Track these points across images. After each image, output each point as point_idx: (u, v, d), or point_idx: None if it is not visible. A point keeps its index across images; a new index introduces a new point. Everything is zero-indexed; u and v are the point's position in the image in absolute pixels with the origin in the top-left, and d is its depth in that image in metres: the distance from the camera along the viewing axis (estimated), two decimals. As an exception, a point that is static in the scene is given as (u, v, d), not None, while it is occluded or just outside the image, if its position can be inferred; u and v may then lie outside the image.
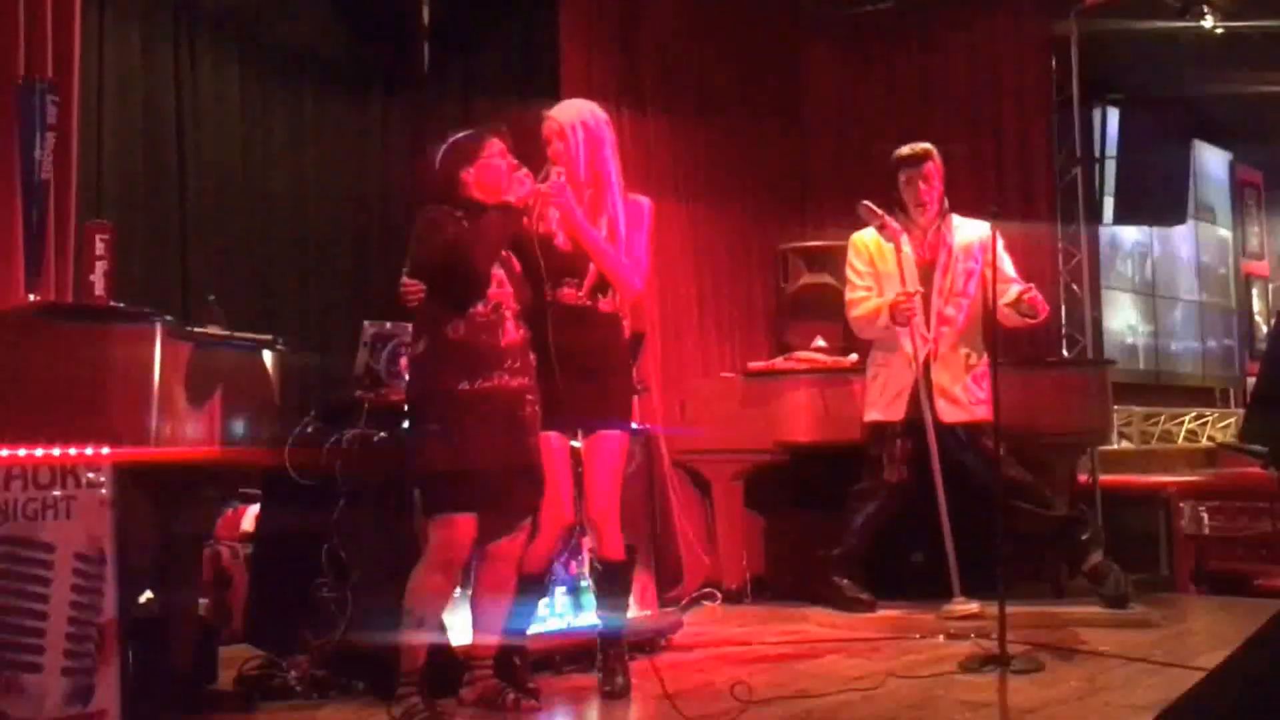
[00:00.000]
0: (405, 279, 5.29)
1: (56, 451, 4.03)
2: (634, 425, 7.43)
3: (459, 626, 5.61)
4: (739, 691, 5.22)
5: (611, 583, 5.80)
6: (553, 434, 5.56)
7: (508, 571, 5.46)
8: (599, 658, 5.83)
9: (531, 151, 5.72)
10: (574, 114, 5.80)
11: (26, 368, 4.57)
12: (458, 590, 5.53)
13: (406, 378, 5.54)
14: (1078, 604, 7.49)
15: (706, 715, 5.18)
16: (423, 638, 5.16)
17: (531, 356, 5.41)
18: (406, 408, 5.44)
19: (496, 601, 5.46)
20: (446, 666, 5.47)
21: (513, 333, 5.32)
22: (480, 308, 5.24)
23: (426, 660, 5.19)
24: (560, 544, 5.84)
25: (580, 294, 5.65)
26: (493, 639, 5.49)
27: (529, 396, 5.33)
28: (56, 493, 4.01)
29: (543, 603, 6.21)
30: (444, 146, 5.47)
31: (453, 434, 5.12)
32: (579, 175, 5.66)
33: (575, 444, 5.81)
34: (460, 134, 5.49)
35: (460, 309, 5.22)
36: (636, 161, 9.13)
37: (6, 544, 3.89)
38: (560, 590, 6.40)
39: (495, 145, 5.40)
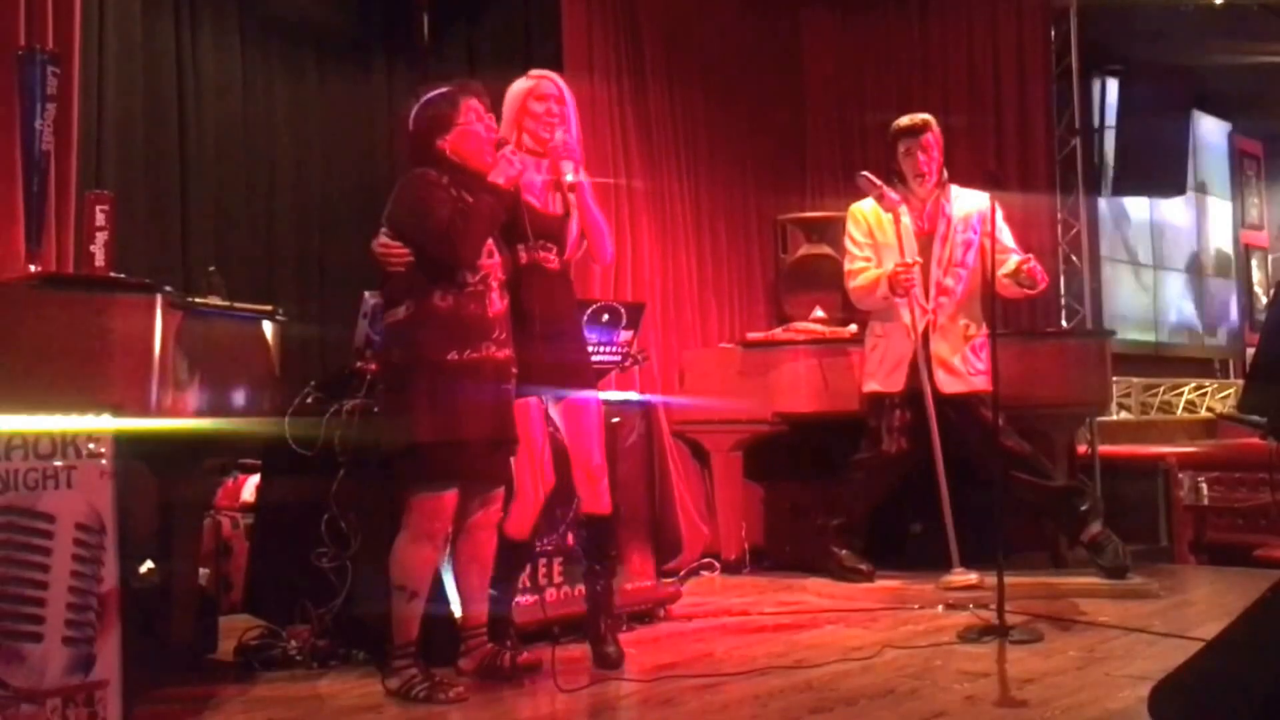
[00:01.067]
0: (385, 240, 5.22)
1: (57, 422, 4.03)
2: (634, 395, 7.47)
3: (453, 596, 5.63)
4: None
5: (599, 537, 5.78)
6: (531, 399, 5.54)
7: (487, 539, 5.44)
8: (589, 627, 5.83)
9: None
10: (565, 84, 5.82)
11: (27, 338, 4.56)
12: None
13: (385, 344, 5.40)
14: (1077, 574, 7.50)
15: (705, 683, 5.21)
16: (416, 610, 5.16)
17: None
18: (384, 375, 5.38)
19: (480, 570, 5.46)
20: (445, 635, 5.48)
21: (498, 303, 5.27)
22: (470, 277, 5.19)
23: (422, 630, 5.19)
24: (542, 509, 5.82)
25: (557, 259, 5.65)
26: (481, 607, 5.49)
27: (512, 369, 5.31)
28: (57, 463, 4.01)
29: (540, 573, 6.23)
30: (417, 107, 5.36)
31: (442, 405, 5.06)
32: (575, 140, 5.69)
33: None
34: (432, 93, 5.37)
35: (448, 274, 5.16)
36: (637, 131, 9.13)
37: (7, 514, 3.89)
38: (558, 561, 6.40)
39: (471, 108, 5.31)
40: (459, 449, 5.09)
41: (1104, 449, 9.79)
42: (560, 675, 5.28)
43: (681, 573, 8.20)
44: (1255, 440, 7.91)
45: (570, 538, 6.40)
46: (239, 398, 5.57)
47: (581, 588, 6.10)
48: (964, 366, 7.33)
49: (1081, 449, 9.55)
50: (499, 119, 5.56)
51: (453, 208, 5.15)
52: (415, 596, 5.15)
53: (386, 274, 5.27)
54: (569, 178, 5.56)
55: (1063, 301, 9.91)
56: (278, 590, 6.08)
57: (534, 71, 5.90)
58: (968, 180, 7.63)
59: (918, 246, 7.39)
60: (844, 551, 7.60)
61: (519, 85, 5.77)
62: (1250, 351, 14.01)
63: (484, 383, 5.16)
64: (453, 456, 5.09)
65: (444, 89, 5.38)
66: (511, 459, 5.42)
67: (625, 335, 6.82)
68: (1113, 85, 11.17)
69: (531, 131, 5.66)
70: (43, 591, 3.94)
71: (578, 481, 5.75)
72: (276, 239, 8.86)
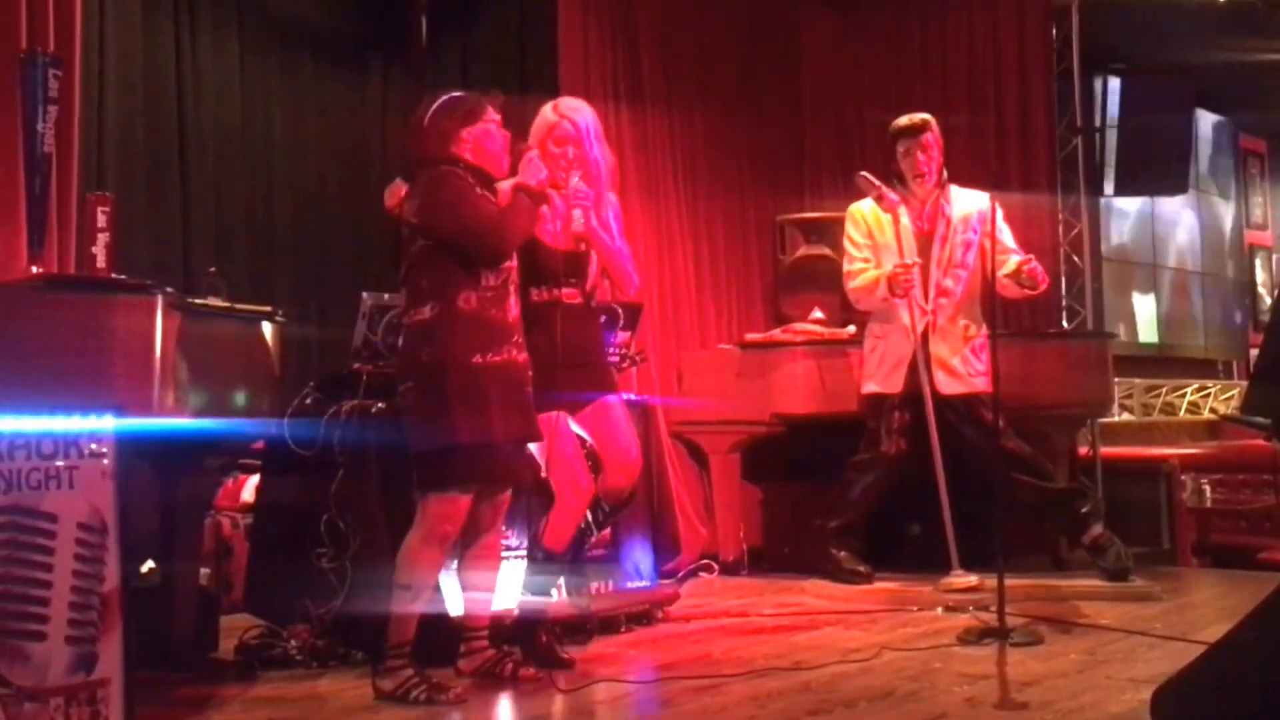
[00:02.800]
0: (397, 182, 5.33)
1: (60, 422, 4.04)
2: (632, 396, 7.49)
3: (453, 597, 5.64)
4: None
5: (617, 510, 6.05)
6: (556, 414, 5.65)
7: (494, 540, 5.47)
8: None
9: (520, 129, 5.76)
10: (585, 115, 5.89)
11: (29, 339, 4.58)
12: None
13: (409, 343, 5.30)
14: (1078, 577, 7.48)
15: (703, 685, 5.21)
16: (417, 610, 5.16)
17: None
18: (409, 374, 5.25)
19: (488, 569, 5.47)
20: (441, 637, 5.48)
21: (514, 307, 5.29)
22: (491, 279, 5.18)
23: (419, 632, 5.18)
24: (582, 518, 5.86)
25: (581, 293, 5.79)
26: (485, 608, 5.50)
27: (530, 373, 5.33)
28: (59, 463, 4.02)
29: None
30: (439, 103, 5.32)
31: (470, 408, 5.05)
32: (596, 180, 5.79)
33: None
34: (454, 94, 5.40)
35: (472, 275, 5.15)
36: (634, 132, 9.12)
37: (10, 514, 3.91)
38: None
39: (494, 112, 5.34)
40: (490, 450, 5.12)
41: (1106, 450, 9.78)
42: (560, 675, 5.30)
43: (680, 574, 8.20)
44: (1259, 442, 7.94)
45: (608, 533, 6.48)
46: (239, 398, 5.58)
47: (617, 585, 6.18)
48: (964, 367, 7.31)
49: (1083, 450, 9.54)
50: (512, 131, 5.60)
51: (492, 203, 5.22)
52: (418, 596, 5.15)
53: (407, 273, 5.26)
54: (577, 225, 5.68)
55: (1063, 302, 9.90)
56: (277, 590, 6.08)
57: (559, 106, 5.98)
58: (968, 180, 7.63)
59: (917, 247, 7.38)
60: (843, 553, 7.58)
61: (545, 117, 5.89)
62: (1254, 352, 14.03)
63: (508, 384, 5.19)
64: (484, 457, 5.11)
65: (469, 93, 5.44)
66: (531, 460, 5.46)
67: (623, 336, 6.83)
68: (1114, 84, 11.16)
69: (548, 169, 5.72)
70: (45, 591, 3.95)
71: (610, 474, 5.86)
72: (275, 240, 8.89)
